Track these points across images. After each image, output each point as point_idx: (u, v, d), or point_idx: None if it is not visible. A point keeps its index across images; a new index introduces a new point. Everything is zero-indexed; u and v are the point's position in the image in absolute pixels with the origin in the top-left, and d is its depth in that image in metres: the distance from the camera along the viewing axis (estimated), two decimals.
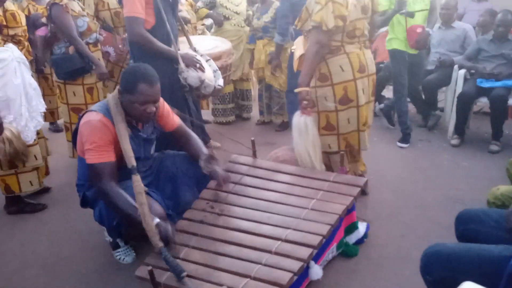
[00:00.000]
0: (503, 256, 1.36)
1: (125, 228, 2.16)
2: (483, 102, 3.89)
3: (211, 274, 1.77)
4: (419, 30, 3.63)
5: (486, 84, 3.73)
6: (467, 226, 1.71)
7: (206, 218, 2.11)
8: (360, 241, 2.43)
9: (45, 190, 3.26)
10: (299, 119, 2.52)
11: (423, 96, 4.24)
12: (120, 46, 3.54)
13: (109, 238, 2.41)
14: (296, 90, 2.55)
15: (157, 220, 1.95)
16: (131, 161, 2.03)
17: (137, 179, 1.99)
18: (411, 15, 3.47)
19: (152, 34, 2.58)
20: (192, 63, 2.68)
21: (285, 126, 4.47)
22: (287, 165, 2.50)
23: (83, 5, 3.47)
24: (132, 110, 2.10)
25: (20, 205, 3.01)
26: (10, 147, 2.67)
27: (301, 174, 2.41)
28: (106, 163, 2.05)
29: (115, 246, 2.40)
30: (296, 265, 1.77)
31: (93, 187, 2.20)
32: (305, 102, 2.48)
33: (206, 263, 1.83)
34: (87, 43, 3.27)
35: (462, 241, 1.75)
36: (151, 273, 1.72)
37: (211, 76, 2.79)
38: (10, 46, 2.87)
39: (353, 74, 2.52)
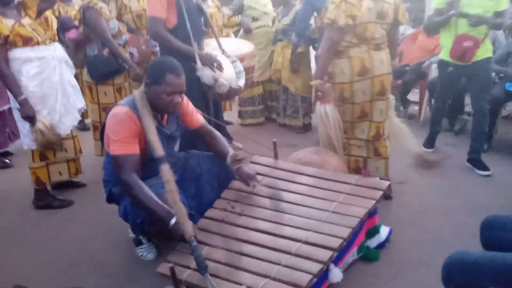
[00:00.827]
0: None
1: (149, 226, 2.20)
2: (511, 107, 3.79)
3: (231, 273, 1.79)
4: (467, 44, 3.22)
5: None
6: (493, 233, 1.67)
7: (227, 218, 2.13)
8: (381, 246, 2.41)
9: (76, 186, 3.37)
10: (319, 109, 2.76)
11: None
12: (143, 47, 3.63)
13: (132, 235, 2.46)
14: (311, 83, 2.89)
15: (174, 220, 1.95)
16: (159, 151, 2.07)
17: (165, 168, 2.02)
18: (477, 22, 3.12)
19: (174, 33, 2.73)
20: (209, 62, 2.75)
21: (307, 128, 4.46)
22: (308, 167, 2.49)
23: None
24: (158, 101, 2.14)
25: (48, 199, 3.11)
26: (42, 137, 2.84)
27: (322, 176, 2.40)
28: (131, 155, 2.09)
29: (138, 243, 2.45)
30: (316, 267, 1.77)
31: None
32: (319, 93, 2.75)
33: (227, 262, 1.85)
34: (118, 45, 3.36)
35: (487, 249, 1.71)
36: (172, 270, 1.75)
37: (231, 76, 2.84)
38: (55, 45, 2.99)
39: (351, 77, 2.72)
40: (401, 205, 2.87)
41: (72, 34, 3.35)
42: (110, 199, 2.38)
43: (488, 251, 1.62)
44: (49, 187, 3.19)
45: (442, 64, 3.51)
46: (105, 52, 3.30)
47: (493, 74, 3.86)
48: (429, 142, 3.85)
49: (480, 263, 1.45)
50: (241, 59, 3.23)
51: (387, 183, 2.32)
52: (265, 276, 1.75)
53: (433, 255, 2.30)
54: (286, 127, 4.66)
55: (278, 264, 1.80)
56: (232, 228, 2.07)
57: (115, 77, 3.41)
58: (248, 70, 3.27)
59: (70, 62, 3.09)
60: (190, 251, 1.85)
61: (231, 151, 2.38)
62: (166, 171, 2.02)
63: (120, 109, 2.15)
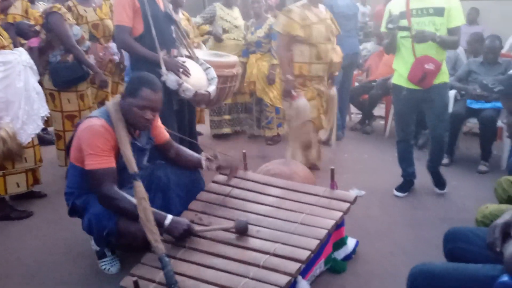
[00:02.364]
0: (489, 276, 1.37)
1: (117, 238, 2.13)
2: (472, 123, 3.94)
3: (198, 286, 1.75)
4: (428, 66, 2.87)
5: (476, 105, 3.80)
6: (455, 245, 1.71)
7: (194, 230, 2.09)
8: (348, 257, 2.43)
9: (37, 196, 3.23)
10: (292, 105, 3.27)
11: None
12: (100, 54, 3.61)
13: (95, 247, 2.38)
14: (283, 78, 3.39)
15: (168, 220, 1.99)
16: (133, 167, 2.04)
17: (139, 185, 2.00)
18: (420, 38, 2.78)
19: (141, 41, 2.76)
20: (174, 67, 2.76)
21: (277, 140, 4.48)
22: (277, 179, 2.50)
23: None
24: (130, 114, 2.12)
25: (6, 210, 2.96)
26: (4, 146, 2.70)
27: (291, 188, 2.41)
28: (108, 168, 2.06)
29: (101, 256, 2.37)
30: (283, 280, 1.76)
31: (82, 195, 2.18)
32: (287, 91, 3.31)
33: (193, 275, 1.82)
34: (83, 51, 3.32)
35: (450, 260, 1.75)
36: (135, 284, 1.70)
37: (199, 82, 2.86)
38: (20, 50, 2.90)
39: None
40: (368, 218, 2.91)
41: (33, 43, 3.25)
42: (73, 212, 2.29)
43: (451, 263, 1.66)
44: (8, 197, 3.05)
45: (395, 89, 3.12)
46: (70, 58, 3.23)
47: (455, 91, 4.02)
48: (402, 187, 3.31)
49: (443, 274, 1.48)
50: (221, 66, 3.24)
51: (354, 195, 2.34)
52: None
53: (399, 266, 2.33)
54: (256, 139, 4.67)
55: (246, 277, 1.78)
56: (199, 240, 2.03)
57: (78, 84, 3.33)
58: (227, 79, 3.27)
59: (35, 67, 2.98)
60: (160, 266, 1.82)
61: (201, 156, 2.40)
62: (139, 188, 1.99)
63: (96, 122, 2.10)
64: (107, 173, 2.05)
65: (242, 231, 2.02)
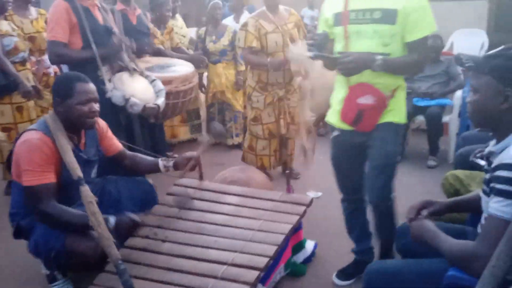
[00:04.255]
0: (439, 270, 1.41)
1: (65, 259, 2.03)
2: (420, 120, 4.10)
3: None
4: (365, 100, 1.93)
5: (422, 103, 3.95)
6: (407, 240, 1.76)
7: (150, 246, 2.03)
8: (308, 260, 2.45)
9: None
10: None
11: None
12: (34, 68, 3.53)
13: (45, 271, 2.26)
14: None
15: (112, 220, 1.94)
16: (77, 172, 1.96)
17: (85, 189, 1.92)
18: (349, 70, 1.85)
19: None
20: (112, 54, 2.76)
21: (236, 146, 4.46)
22: (234, 186, 2.48)
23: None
24: (74, 115, 2.04)
25: None
26: None
27: (248, 194, 2.39)
28: (47, 184, 1.96)
29: (52, 280, 2.25)
30: None
31: (28, 215, 2.07)
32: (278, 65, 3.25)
33: None
34: (13, 62, 3.25)
35: (404, 256, 1.80)
36: None
37: (145, 96, 2.81)
38: None
39: None
40: (326, 219, 2.95)
41: None
42: (18, 234, 2.17)
43: (404, 259, 1.71)
44: None
45: (330, 128, 2.21)
46: None
47: None
48: (345, 271, 2.33)
49: (396, 271, 1.52)
50: (168, 81, 3.18)
51: (310, 197, 2.36)
52: None
53: None
54: (212, 146, 4.63)
55: None
56: (155, 256, 1.97)
57: (12, 95, 3.23)
58: (177, 94, 3.21)
59: None
60: (117, 275, 1.75)
61: (158, 158, 2.37)
62: (86, 192, 1.91)
63: (32, 135, 2.00)
64: (45, 189, 1.95)
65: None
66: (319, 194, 3.33)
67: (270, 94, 3.35)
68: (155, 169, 2.38)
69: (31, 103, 3.37)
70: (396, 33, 1.87)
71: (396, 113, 2.01)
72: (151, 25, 3.84)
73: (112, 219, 1.96)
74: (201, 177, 2.53)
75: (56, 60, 2.84)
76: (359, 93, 1.94)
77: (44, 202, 1.94)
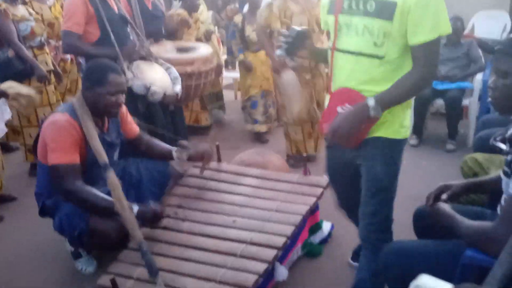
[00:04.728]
0: (457, 249, 1.43)
1: (88, 237, 2.10)
2: (439, 104, 4.05)
3: (176, 279, 1.75)
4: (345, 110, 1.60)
5: (442, 86, 3.89)
6: (424, 223, 1.77)
7: (170, 224, 2.09)
8: (324, 241, 2.48)
9: (6, 200, 3.13)
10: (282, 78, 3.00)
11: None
12: (52, 53, 3.59)
13: (70, 248, 2.34)
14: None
15: (136, 207, 1.96)
16: (103, 158, 2.01)
17: (112, 175, 1.97)
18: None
19: (98, 46, 2.72)
20: (132, 55, 2.77)
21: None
22: (252, 169, 2.51)
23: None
24: (101, 103, 2.08)
25: None
26: None
27: (265, 176, 2.43)
28: (71, 164, 2.01)
29: (77, 256, 2.34)
30: (261, 267, 1.78)
31: (53, 195, 2.14)
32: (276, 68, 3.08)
33: (171, 269, 1.81)
34: (31, 47, 3.28)
35: (420, 238, 1.81)
36: (113, 282, 1.68)
37: (164, 83, 2.82)
38: None
39: None
40: None
41: None
42: (44, 212, 2.24)
43: (421, 240, 1.72)
44: None
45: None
46: (10, 53, 3.15)
47: None
48: (357, 256, 2.08)
49: (414, 251, 1.54)
50: (191, 62, 3.20)
51: (327, 180, 2.37)
52: (211, 280, 1.73)
53: None
54: (228, 130, 4.64)
55: (224, 267, 1.79)
56: (175, 234, 2.03)
57: (31, 79, 3.25)
58: (200, 75, 3.22)
59: None
60: (138, 261, 1.81)
61: (174, 148, 2.39)
62: (112, 178, 1.97)
63: (60, 117, 2.05)
64: (71, 169, 2.00)
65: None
66: None
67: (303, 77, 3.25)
68: (168, 157, 2.41)
69: (51, 87, 3.41)
70: (391, 32, 1.49)
71: (391, 125, 1.62)
72: (183, 13, 3.85)
73: (135, 208, 1.98)
74: (219, 159, 2.58)
75: (69, 50, 2.89)
76: (339, 101, 1.63)
77: (69, 180, 1.99)
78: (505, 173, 1.41)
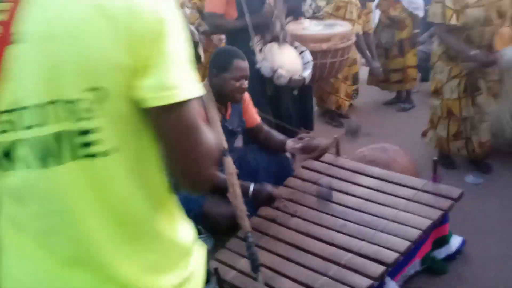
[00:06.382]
0: None
1: (202, 221, 2.22)
2: None
3: (275, 279, 1.75)
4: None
5: None
6: None
7: (279, 218, 2.08)
8: (451, 257, 2.18)
9: None
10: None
11: None
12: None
13: None
14: None
15: (252, 185, 2.04)
16: (222, 144, 2.09)
17: (228, 161, 2.02)
18: None
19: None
20: (267, 37, 2.77)
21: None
22: (372, 167, 2.32)
23: None
24: (227, 88, 2.17)
25: None
26: None
27: (387, 178, 2.22)
28: None
29: (198, 232, 2.49)
30: (364, 283, 1.65)
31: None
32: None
33: (271, 266, 1.81)
34: None
35: None
36: (216, 272, 1.75)
37: (293, 67, 2.77)
38: None
39: None
40: (479, 212, 2.55)
41: None
42: None
43: None
44: None
45: None
46: None
47: None
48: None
49: None
50: (327, 38, 3.11)
51: (459, 191, 2.06)
52: (308, 287, 1.67)
53: None
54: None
55: (325, 275, 1.71)
56: (282, 229, 2.01)
57: None
58: (336, 53, 3.12)
59: None
60: (244, 250, 1.82)
61: (287, 140, 2.35)
62: (228, 164, 2.02)
63: None
64: None
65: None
66: (481, 180, 2.88)
67: (457, 65, 2.82)
68: (281, 149, 2.36)
69: None
70: None
71: None
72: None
73: (251, 187, 2.04)
74: (337, 153, 2.44)
75: (214, 30, 3.01)
76: None
77: None
78: None
